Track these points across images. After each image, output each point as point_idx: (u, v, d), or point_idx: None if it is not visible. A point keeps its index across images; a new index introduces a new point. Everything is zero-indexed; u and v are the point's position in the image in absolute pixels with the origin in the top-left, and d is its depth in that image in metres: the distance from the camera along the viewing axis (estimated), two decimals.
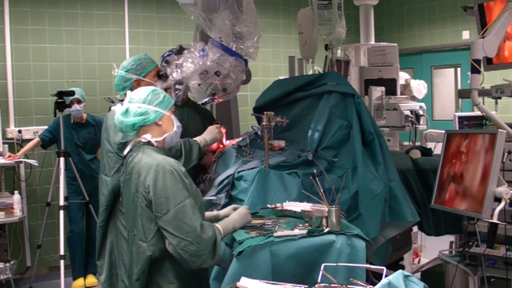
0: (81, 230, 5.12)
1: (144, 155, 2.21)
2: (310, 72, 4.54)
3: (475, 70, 2.64)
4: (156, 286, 2.19)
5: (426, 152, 3.80)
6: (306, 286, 1.83)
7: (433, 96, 7.48)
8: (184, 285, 2.19)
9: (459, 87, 7.26)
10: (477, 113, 4.43)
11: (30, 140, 5.23)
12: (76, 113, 5.03)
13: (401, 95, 5.06)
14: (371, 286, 1.78)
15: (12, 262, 4.88)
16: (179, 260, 2.08)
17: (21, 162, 5.08)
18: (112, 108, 2.99)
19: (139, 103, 2.24)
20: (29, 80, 5.51)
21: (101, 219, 2.98)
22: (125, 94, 3.01)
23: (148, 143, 2.26)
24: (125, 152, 2.34)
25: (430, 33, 7.37)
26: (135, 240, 2.21)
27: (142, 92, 2.28)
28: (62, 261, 4.49)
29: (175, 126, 2.33)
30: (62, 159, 4.65)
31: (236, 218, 2.31)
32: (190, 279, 2.21)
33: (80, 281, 5.11)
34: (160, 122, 2.27)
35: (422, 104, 5.02)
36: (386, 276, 1.70)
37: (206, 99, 3.22)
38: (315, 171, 2.63)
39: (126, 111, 2.24)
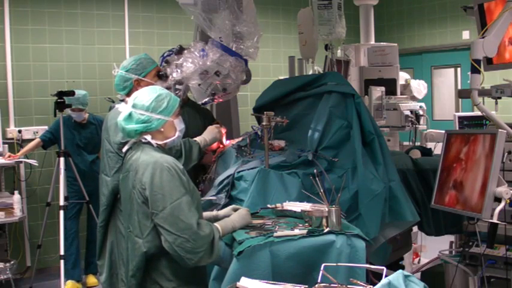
0: (72, 227, 5.06)
1: (143, 153, 2.22)
2: (310, 72, 4.55)
3: (475, 70, 2.64)
4: (154, 283, 2.20)
5: (426, 152, 3.80)
6: (306, 286, 1.83)
7: (433, 96, 7.48)
8: (183, 283, 2.19)
9: (459, 87, 7.26)
10: (477, 113, 4.43)
11: (30, 140, 5.23)
12: (78, 118, 5.06)
13: (401, 95, 5.06)
14: (371, 286, 1.78)
15: (12, 262, 4.88)
16: (175, 257, 2.09)
17: (21, 162, 5.08)
18: (116, 106, 3.00)
19: (143, 110, 2.23)
20: (29, 80, 5.51)
21: (101, 219, 2.98)
22: (126, 94, 3.06)
23: (148, 142, 2.26)
24: (124, 150, 2.34)
25: (430, 33, 7.37)
26: (131, 237, 2.22)
27: (147, 97, 2.24)
28: (62, 261, 4.50)
29: (177, 131, 2.33)
30: (62, 159, 4.65)
31: (236, 218, 2.31)
32: (189, 277, 2.21)
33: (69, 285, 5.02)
34: (162, 129, 2.27)
35: (422, 104, 5.02)
36: (386, 276, 1.70)
37: (206, 99, 3.22)
38: (315, 171, 2.64)
39: (129, 116, 2.24)
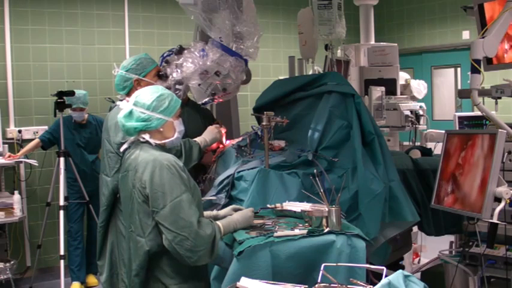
0: (79, 229, 5.10)
1: (142, 151, 2.22)
2: (310, 72, 4.54)
3: (475, 70, 2.64)
4: (156, 281, 2.20)
5: (426, 152, 3.80)
6: (306, 286, 1.84)
7: (433, 96, 7.48)
8: (185, 280, 2.20)
9: (459, 87, 7.26)
10: (477, 113, 4.43)
11: (30, 140, 5.22)
12: (78, 118, 5.05)
13: (401, 95, 5.06)
14: (371, 286, 1.78)
15: (12, 262, 4.88)
16: (175, 255, 2.09)
17: (21, 162, 5.08)
18: (117, 103, 3.00)
19: (144, 109, 2.23)
20: (29, 80, 5.51)
21: (102, 219, 2.98)
22: (126, 94, 3.06)
23: (147, 142, 2.26)
24: (122, 149, 2.34)
25: (430, 33, 7.37)
26: (133, 236, 2.22)
27: (148, 96, 2.25)
28: (62, 261, 4.50)
29: (176, 132, 2.33)
30: (62, 159, 4.65)
31: (239, 219, 2.31)
32: (191, 274, 2.21)
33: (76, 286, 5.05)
34: (161, 129, 2.27)
35: (422, 104, 5.02)
36: (386, 276, 1.71)
37: (206, 99, 3.22)
38: (315, 171, 2.64)
39: (130, 114, 2.24)
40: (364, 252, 2.23)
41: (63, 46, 5.67)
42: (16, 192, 4.94)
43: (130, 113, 2.24)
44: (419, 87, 5.22)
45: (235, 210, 2.44)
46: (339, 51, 5.11)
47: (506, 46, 2.88)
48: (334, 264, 2.08)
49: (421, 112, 4.89)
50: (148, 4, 6.16)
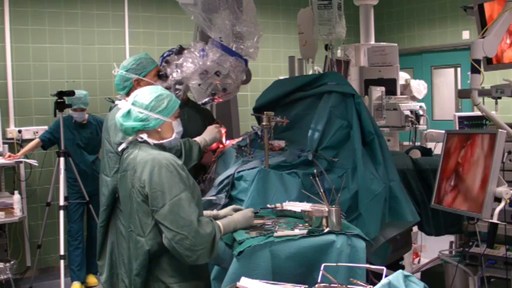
0: (79, 229, 5.10)
1: (140, 151, 2.22)
2: (310, 72, 4.55)
3: (475, 70, 2.64)
4: (156, 280, 2.20)
5: (426, 152, 3.80)
6: (306, 286, 1.84)
7: (433, 96, 7.48)
8: (185, 278, 2.20)
9: (459, 87, 7.26)
10: (477, 113, 4.43)
11: (30, 140, 5.22)
12: (79, 118, 5.05)
13: (401, 95, 5.06)
14: (371, 286, 1.78)
15: (12, 262, 4.88)
16: (174, 254, 2.10)
17: (21, 162, 5.07)
18: (116, 102, 3.00)
19: (142, 108, 2.23)
20: (29, 80, 5.51)
21: (102, 219, 2.98)
22: (125, 94, 3.06)
23: (145, 141, 2.27)
24: (120, 149, 2.35)
25: (430, 33, 7.37)
26: (133, 236, 2.22)
27: (147, 96, 2.25)
28: (62, 261, 4.50)
29: (174, 133, 2.33)
30: (62, 159, 4.66)
31: (240, 219, 2.31)
32: (191, 273, 2.21)
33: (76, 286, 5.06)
34: (159, 129, 2.27)
35: (422, 104, 5.03)
36: (386, 276, 1.70)
37: (206, 99, 3.22)
38: (315, 171, 2.64)
39: (128, 113, 2.24)
40: (364, 252, 2.23)
41: (63, 46, 5.67)
42: (16, 192, 4.94)
43: (129, 112, 2.24)
44: (419, 87, 5.22)
45: (235, 210, 2.44)
46: (339, 51, 5.12)
47: (508, 41, 2.87)
48: (334, 264, 2.08)
49: (421, 112, 4.90)
50: (148, 4, 6.16)
